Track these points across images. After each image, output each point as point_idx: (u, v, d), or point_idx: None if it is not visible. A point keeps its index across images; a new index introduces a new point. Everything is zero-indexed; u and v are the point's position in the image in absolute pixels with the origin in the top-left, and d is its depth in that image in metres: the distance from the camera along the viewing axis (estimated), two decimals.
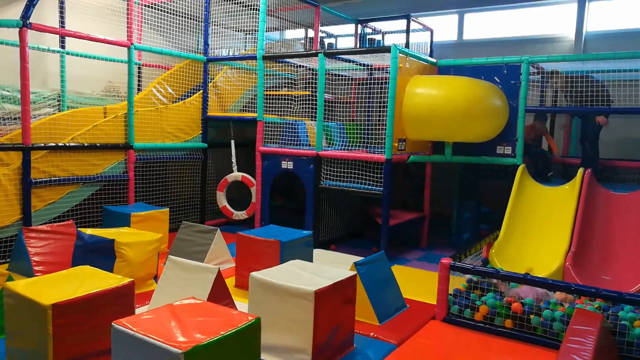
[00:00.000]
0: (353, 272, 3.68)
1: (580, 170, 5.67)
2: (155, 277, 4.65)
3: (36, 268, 4.46)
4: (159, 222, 5.84)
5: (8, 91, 5.96)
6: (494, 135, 6.13)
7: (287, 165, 6.60)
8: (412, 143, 6.34)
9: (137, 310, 3.52)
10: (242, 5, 7.26)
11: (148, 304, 3.93)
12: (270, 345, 3.29)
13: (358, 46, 9.07)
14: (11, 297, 3.02)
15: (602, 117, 5.99)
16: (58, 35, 6.51)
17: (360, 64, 7.16)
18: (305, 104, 6.81)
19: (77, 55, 6.73)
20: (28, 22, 5.13)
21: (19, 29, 5.10)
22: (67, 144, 5.66)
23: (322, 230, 6.54)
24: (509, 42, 8.33)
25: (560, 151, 7.37)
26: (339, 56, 6.64)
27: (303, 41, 9.32)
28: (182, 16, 7.42)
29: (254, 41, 7.65)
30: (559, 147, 7.40)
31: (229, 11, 7.43)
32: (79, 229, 4.55)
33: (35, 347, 2.86)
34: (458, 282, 4.34)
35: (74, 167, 5.70)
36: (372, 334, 3.79)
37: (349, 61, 6.94)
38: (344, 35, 9.67)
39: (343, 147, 6.75)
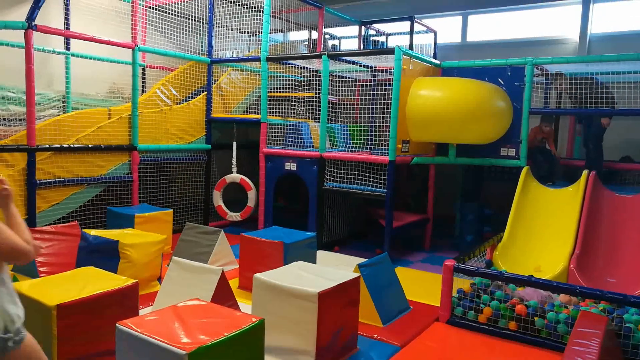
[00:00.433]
0: (356, 274, 3.67)
1: (585, 172, 5.65)
2: (159, 278, 4.65)
3: (41, 269, 4.47)
4: (163, 223, 5.85)
5: (13, 92, 5.99)
6: (498, 137, 6.12)
7: (291, 166, 6.60)
8: (416, 145, 6.34)
9: (141, 312, 3.53)
10: (246, 7, 7.28)
11: (152, 305, 3.94)
12: (273, 347, 3.29)
13: (362, 48, 9.07)
14: None
15: (606, 118, 5.97)
16: (63, 37, 6.54)
17: (363, 66, 7.17)
18: (309, 106, 6.82)
19: (81, 57, 6.76)
20: (33, 24, 5.16)
21: (24, 31, 5.13)
22: (72, 145, 5.68)
23: (326, 232, 6.53)
24: (512, 43, 8.32)
25: (564, 153, 7.35)
26: (343, 58, 6.65)
27: (307, 43, 9.34)
28: (186, 18, 7.45)
29: (258, 43, 7.66)
30: (563, 149, 7.39)
31: (233, 13, 7.45)
32: (83, 230, 4.57)
33: (40, 348, 2.87)
34: (462, 284, 4.33)
35: (78, 168, 5.72)
36: (375, 335, 3.79)
37: (353, 63, 6.94)
38: (347, 37, 9.68)
39: (346, 149, 6.75)
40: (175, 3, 7.27)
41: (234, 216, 7.14)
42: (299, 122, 7.00)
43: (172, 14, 7.20)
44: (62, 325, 2.81)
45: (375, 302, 3.99)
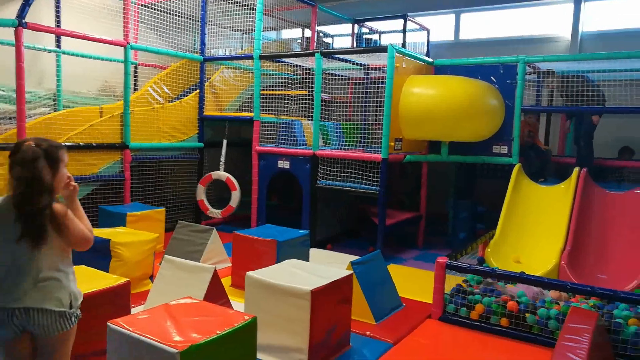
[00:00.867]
0: (349, 272, 3.68)
1: (576, 169, 5.69)
2: (151, 277, 4.64)
3: None
4: (155, 221, 5.83)
5: (3, 91, 5.94)
6: (490, 134, 6.15)
7: (284, 164, 6.59)
8: (409, 142, 6.35)
9: (133, 310, 3.51)
10: (239, 5, 7.26)
11: (144, 303, 3.92)
12: (266, 345, 3.29)
13: (355, 46, 9.07)
14: None
15: (596, 116, 6.02)
16: (54, 35, 6.48)
17: (356, 64, 7.17)
18: (302, 104, 6.81)
19: (73, 54, 6.71)
20: (24, 21, 5.11)
21: (14, 29, 5.08)
22: (63, 144, 5.63)
23: (319, 230, 6.53)
24: (505, 41, 8.35)
25: (556, 151, 7.40)
26: (336, 56, 6.64)
27: (300, 41, 9.32)
28: (178, 16, 7.41)
29: (251, 41, 7.65)
30: (555, 147, 7.44)
31: (225, 11, 7.43)
32: None
33: None
34: (455, 281, 4.35)
35: (69, 166, 5.59)
36: (368, 333, 3.80)
37: (346, 61, 6.94)
38: (340, 35, 9.68)
39: (340, 147, 6.75)
40: (167, 1, 7.24)
41: (215, 213, 7.11)
42: (292, 120, 6.99)
43: (164, 11, 7.17)
44: None
45: (368, 300, 4.00)
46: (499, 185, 6.16)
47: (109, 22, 6.55)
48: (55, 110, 6.45)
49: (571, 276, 4.61)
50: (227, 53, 8.02)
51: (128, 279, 3.28)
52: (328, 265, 4.15)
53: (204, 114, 7.40)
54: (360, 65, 7.25)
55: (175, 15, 7.35)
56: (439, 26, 9.08)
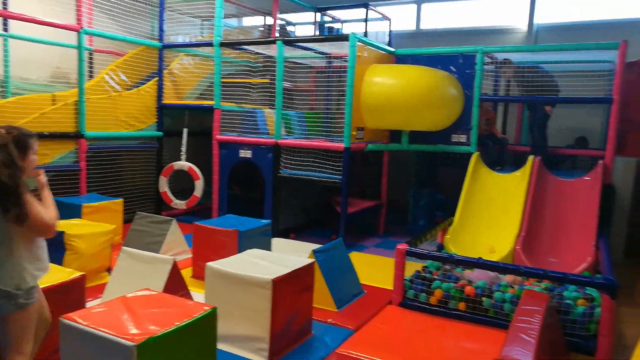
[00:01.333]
0: (311, 260, 3.69)
1: (531, 158, 5.87)
2: (109, 270, 4.53)
3: None
4: (113, 213, 5.68)
5: None
6: (450, 123, 6.26)
7: (246, 154, 6.53)
8: (370, 132, 6.40)
9: (89, 304, 3.42)
10: None
11: (101, 297, 3.83)
12: (227, 335, 3.28)
13: (317, 34, 9.03)
14: None
15: (549, 106, 6.21)
16: (0, 18, 6.16)
17: (319, 52, 7.14)
18: (264, 92, 6.75)
19: (21, 39, 6.40)
20: None
21: None
22: (33, 132, 5.39)
23: (282, 219, 6.52)
24: (465, 32, 8.50)
25: (512, 139, 7.61)
26: (298, 44, 6.59)
27: (262, 28, 9.21)
28: (136, 0, 7.17)
29: (211, 28, 7.49)
30: (511, 136, 7.65)
31: None
32: None
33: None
34: (414, 267, 4.43)
35: None
36: (330, 320, 3.83)
37: (308, 49, 6.90)
38: (302, 23, 9.61)
39: (302, 136, 6.73)
40: None
41: (179, 204, 6.99)
42: (254, 109, 6.92)
43: None
44: None
45: (330, 287, 4.03)
46: (458, 174, 6.29)
47: (61, 5, 6.27)
48: (3, 98, 6.15)
49: (525, 260, 4.78)
50: (187, 40, 7.83)
51: (83, 273, 3.19)
52: (291, 254, 4.15)
53: (163, 102, 7.23)
54: (323, 54, 7.22)
55: (133, 0, 7.11)
56: (401, 16, 9.14)
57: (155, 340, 2.17)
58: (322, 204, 7.34)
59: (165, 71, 7.31)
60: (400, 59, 6.72)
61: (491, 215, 5.57)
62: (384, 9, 8.94)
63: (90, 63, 7.12)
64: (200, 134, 7.64)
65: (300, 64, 7.75)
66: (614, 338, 3.53)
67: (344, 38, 5.86)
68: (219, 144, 6.74)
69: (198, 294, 3.89)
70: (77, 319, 2.27)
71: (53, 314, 2.78)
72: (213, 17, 6.86)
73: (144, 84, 7.20)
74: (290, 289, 3.34)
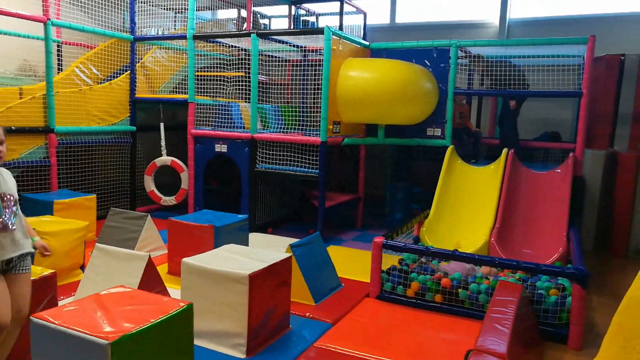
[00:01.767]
0: (288, 254, 3.68)
1: (505, 150, 5.97)
2: (82, 267, 4.43)
3: None
4: (86, 209, 5.55)
5: None
6: (425, 117, 6.31)
7: (221, 148, 6.46)
8: (347, 126, 6.40)
9: (62, 303, 3.34)
10: None
11: (74, 295, 3.74)
12: (204, 331, 3.24)
13: (292, 27, 8.97)
14: None
15: (512, 101, 6.31)
16: None
17: (294, 46, 7.10)
18: (239, 86, 6.68)
19: None
20: None
21: None
22: None
23: (260, 214, 6.49)
24: (439, 26, 8.56)
25: (486, 133, 7.72)
26: (273, 37, 6.53)
27: (236, 21, 9.10)
28: None
29: (184, 20, 7.36)
30: (485, 129, 7.76)
31: None
32: None
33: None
34: (391, 260, 4.46)
35: None
36: (307, 314, 3.83)
37: (283, 42, 6.85)
38: (277, 17, 9.53)
39: (279, 130, 6.69)
40: None
41: (169, 200, 6.90)
42: (229, 103, 6.84)
43: None
44: None
45: (308, 281, 4.03)
46: (433, 167, 6.36)
47: None
48: None
49: (500, 252, 4.86)
50: (160, 33, 7.68)
51: (54, 271, 3.11)
52: (268, 249, 4.14)
53: (136, 96, 7.09)
54: (298, 47, 7.18)
55: None
56: (376, 9, 9.15)
57: (130, 337, 2.13)
58: (299, 198, 7.33)
59: (137, 64, 7.17)
60: (375, 53, 6.74)
61: (466, 207, 5.65)
62: (359, 3, 8.94)
63: (59, 56, 6.92)
64: (174, 128, 7.53)
65: (276, 57, 7.69)
66: (585, 326, 3.63)
67: (319, 31, 5.84)
68: (194, 138, 6.65)
69: (174, 290, 3.83)
70: (48, 318, 2.21)
71: None
72: (186, 9, 6.74)
73: (116, 77, 7.04)
74: (267, 283, 3.32)
